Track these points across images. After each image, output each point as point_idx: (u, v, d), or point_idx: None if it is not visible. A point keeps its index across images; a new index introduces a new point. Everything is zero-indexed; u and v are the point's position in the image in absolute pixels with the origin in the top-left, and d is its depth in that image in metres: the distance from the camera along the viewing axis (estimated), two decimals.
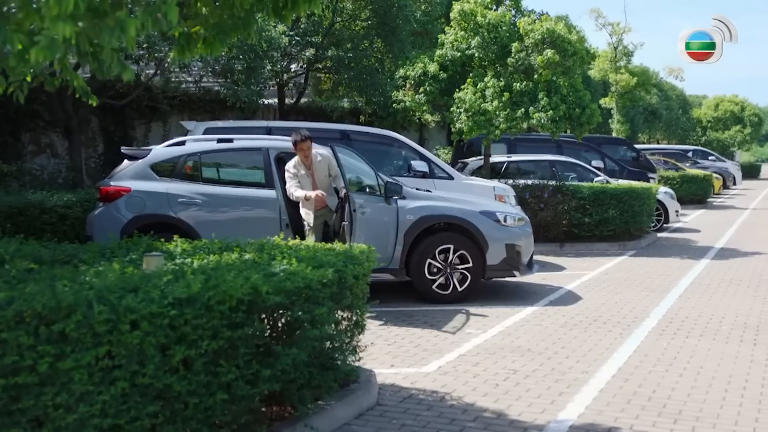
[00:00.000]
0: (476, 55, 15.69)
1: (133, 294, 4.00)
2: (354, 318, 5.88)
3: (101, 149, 15.90)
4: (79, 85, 5.48)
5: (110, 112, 15.79)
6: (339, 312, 5.66)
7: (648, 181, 21.54)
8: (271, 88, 18.71)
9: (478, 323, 8.87)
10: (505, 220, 10.21)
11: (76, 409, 3.86)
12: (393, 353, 7.59)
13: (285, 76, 18.38)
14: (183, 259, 5.55)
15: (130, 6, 3.88)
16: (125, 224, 9.66)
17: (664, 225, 19.75)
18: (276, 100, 19.70)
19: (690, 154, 39.16)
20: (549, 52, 14.81)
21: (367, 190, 9.67)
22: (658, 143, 55.40)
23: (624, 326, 8.79)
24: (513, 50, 15.37)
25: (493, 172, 17.85)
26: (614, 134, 31.48)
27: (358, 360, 6.10)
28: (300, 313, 4.86)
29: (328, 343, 5.38)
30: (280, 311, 4.80)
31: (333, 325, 5.50)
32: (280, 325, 4.89)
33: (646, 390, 6.42)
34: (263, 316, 4.68)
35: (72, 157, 14.06)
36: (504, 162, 18.61)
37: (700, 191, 27.63)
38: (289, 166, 9.45)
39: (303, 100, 21.10)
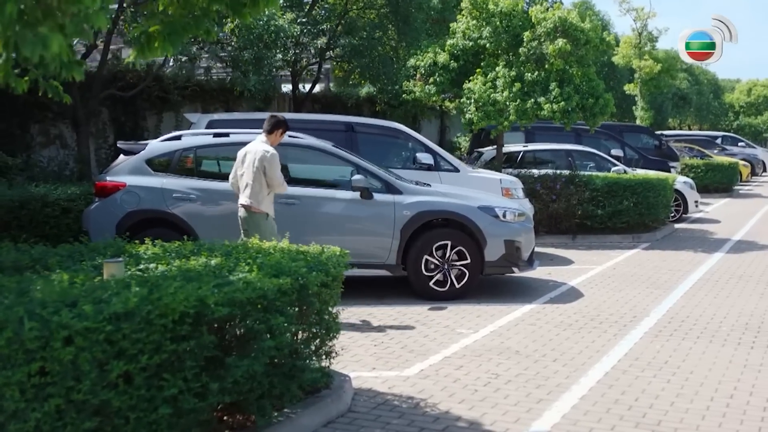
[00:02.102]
0: (487, 44, 15.44)
1: (69, 309, 3.91)
2: (324, 324, 5.77)
3: (112, 140, 15.86)
4: (39, 86, 5.42)
5: (120, 102, 15.77)
6: (306, 319, 5.56)
7: (669, 171, 21.18)
8: (284, 77, 18.62)
9: (471, 322, 8.71)
10: (504, 216, 10.03)
11: (8, 426, 3.79)
12: (377, 355, 7.46)
13: (298, 65, 18.27)
14: (147, 264, 5.46)
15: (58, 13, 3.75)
16: (120, 219, 9.63)
17: (683, 215, 19.43)
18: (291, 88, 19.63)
19: (719, 140, 38.53)
20: (560, 41, 14.54)
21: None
22: (690, 129, 54.59)
23: (620, 326, 8.59)
24: (525, 39, 15.11)
25: (509, 161, 17.63)
26: (638, 122, 30.93)
27: (330, 365, 6.02)
28: (255, 323, 4.76)
29: (289, 352, 5.26)
30: (232, 322, 4.69)
31: (297, 334, 5.40)
32: (232, 336, 4.77)
33: (628, 398, 6.24)
34: (212, 327, 4.57)
35: (80, 148, 14.06)
36: (520, 151, 18.36)
37: (725, 179, 27.12)
38: (274, 152, 8.45)
39: (318, 88, 21.00)
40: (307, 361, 5.57)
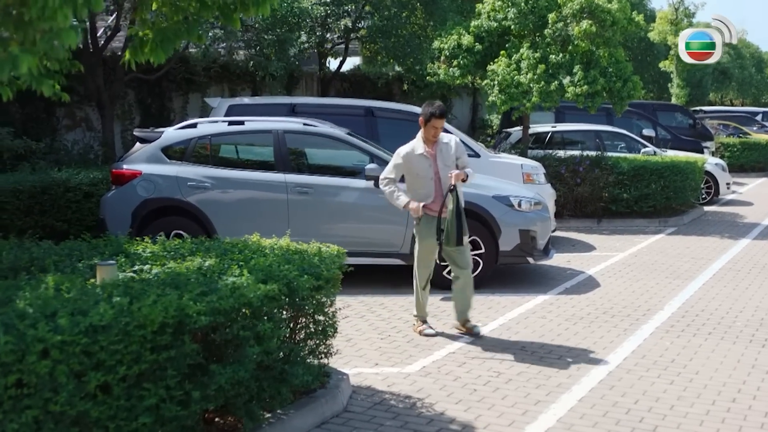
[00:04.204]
0: (512, 26, 15.24)
1: (47, 321, 3.95)
2: (320, 325, 5.78)
3: (138, 122, 15.98)
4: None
5: (146, 84, 15.83)
6: (298, 322, 5.57)
7: (701, 151, 20.83)
8: (309, 57, 18.57)
9: (481, 315, 8.65)
10: (519, 205, 9.93)
11: None
12: (382, 349, 7.46)
13: (324, 47, 18.21)
14: (142, 265, 5.50)
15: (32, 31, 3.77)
16: (136, 207, 9.72)
17: (715, 198, 19.11)
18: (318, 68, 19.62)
19: (759, 116, 37.64)
20: (585, 23, 14.30)
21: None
22: (732, 104, 53.49)
23: (633, 320, 8.49)
24: (550, 21, 14.88)
25: (537, 141, 17.48)
26: (674, 99, 30.37)
27: (327, 363, 6.04)
28: (241, 330, 4.77)
29: (280, 355, 5.28)
30: (217, 330, 4.70)
31: (288, 337, 5.41)
32: (217, 343, 4.79)
33: (628, 400, 6.17)
34: (195, 336, 4.59)
35: (104, 132, 14.17)
36: (548, 132, 18.16)
37: (762, 159, 26.57)
38: (401, 151, 7.84)
39: (347, 68, 20.93)
40: (302, 363, 5.57)
